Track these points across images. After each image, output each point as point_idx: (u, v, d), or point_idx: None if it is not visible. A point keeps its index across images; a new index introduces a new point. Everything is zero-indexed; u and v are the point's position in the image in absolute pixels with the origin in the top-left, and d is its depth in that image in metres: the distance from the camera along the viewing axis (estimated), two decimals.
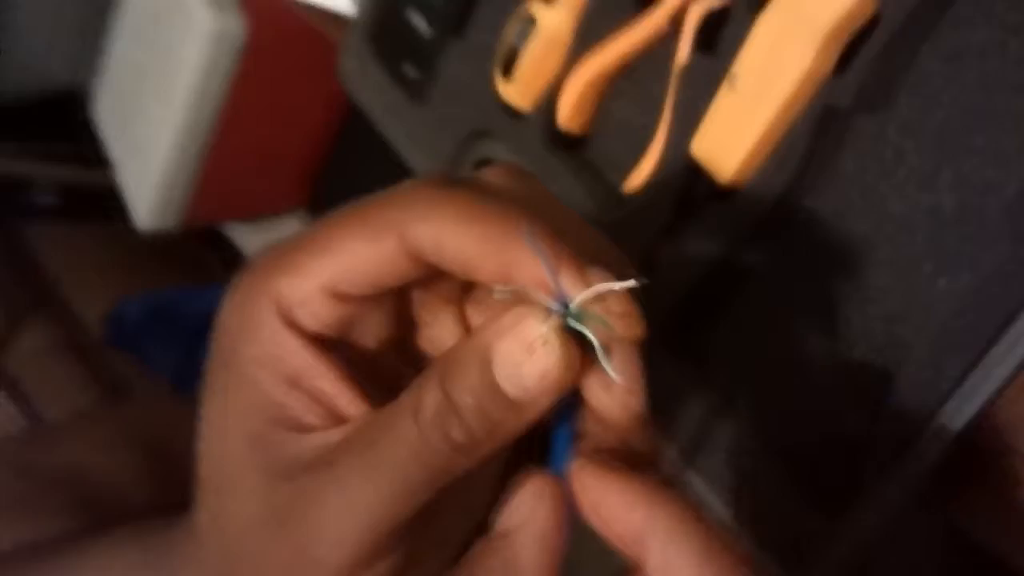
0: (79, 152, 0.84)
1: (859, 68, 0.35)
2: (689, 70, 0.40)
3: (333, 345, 0.27)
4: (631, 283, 0.23)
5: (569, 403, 0.25)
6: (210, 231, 0.87)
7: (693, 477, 0.40)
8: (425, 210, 0.25)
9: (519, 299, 0.24)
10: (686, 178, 0.40)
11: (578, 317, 0.23)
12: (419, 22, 0.54)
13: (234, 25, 0.75)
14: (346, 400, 0.26)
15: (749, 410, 0.38)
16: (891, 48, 0.34)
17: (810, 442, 0.36)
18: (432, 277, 0.26)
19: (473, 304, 0.29)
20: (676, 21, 0.41)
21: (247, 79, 0.78)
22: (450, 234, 0.24)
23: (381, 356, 0.28)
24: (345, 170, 0.88)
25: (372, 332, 0.28)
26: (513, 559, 0.25)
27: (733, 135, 0.38)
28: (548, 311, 0.23)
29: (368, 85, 0.59)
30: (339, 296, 0.26)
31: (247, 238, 0.87)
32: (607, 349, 0.24)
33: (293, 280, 0.26)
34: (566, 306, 0.23)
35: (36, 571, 0.34)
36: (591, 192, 0.44)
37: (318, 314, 0.26)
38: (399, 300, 0.28)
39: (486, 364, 0.24)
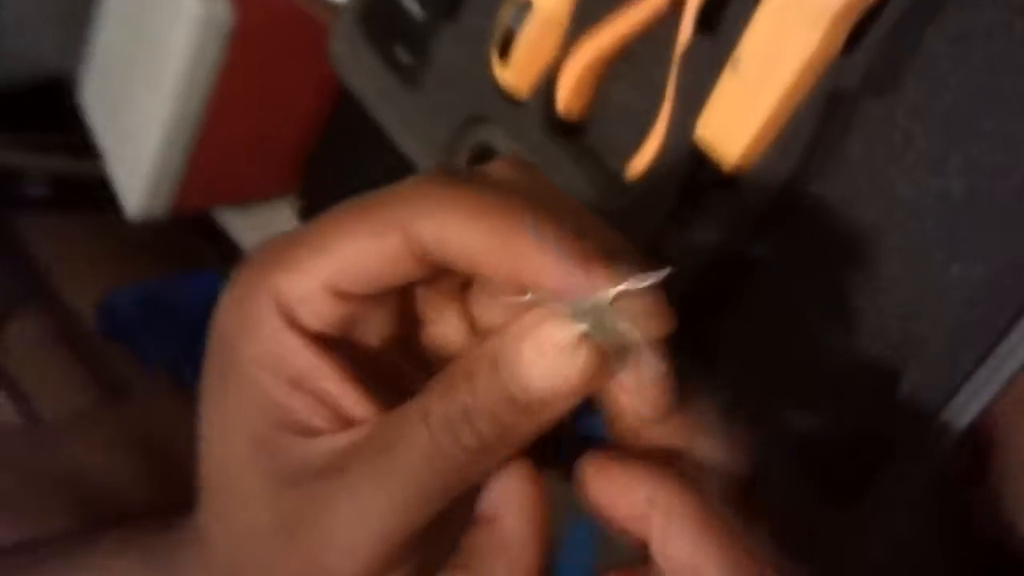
0: (68, 141, 0.83)
1: (866, 50, 0.34)
2: (691, 52, 0.39)
3: (335, 344, 0.26)
4: (654, 278, 0.22)
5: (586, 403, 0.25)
6: (201, 219, 0.86)
7: None
8: (430, 206, 0.24)
9: (535, 302, 0.23)
10: (689, 164, 0.39)
11: (599, 317, 0.22)
12: (411, 4, 0.53)
13: (222, 10, 0.74)
14: (352, 401, 0.26)
15: (758, 402, 0.37)
16: (898, 30, 0.34)
17: (821, 434, 0.36)
18: (436, 274, 0.26)
19: (477, 300, 0.29)
20: (676, 2, 0.40)
21: (236, 64, 0.77)
22: (457, 231, 0.24)
23: (383, 355, 0.28)
24: (336, 155, 0.87)
25: (374, 330, 0.27)
26: (503, 536, 0.26)
27: (738, 119, 0.37)
28: (566, 313, 0.22)
29: (360, 70, 0.58)
30: (341, 294, 0.25)
31: (238, 225, 0.86)
32: (631, 350, 0.23)
33: (294, 277, 0.25)
34: (584, 306, 0.22)
35: (35, 572, 0.34)
36: (592, 179, 0.44)
37: (320, 312, 0.25)
38: (401, 297, 0.28)
39: (501, 368, 0.23)
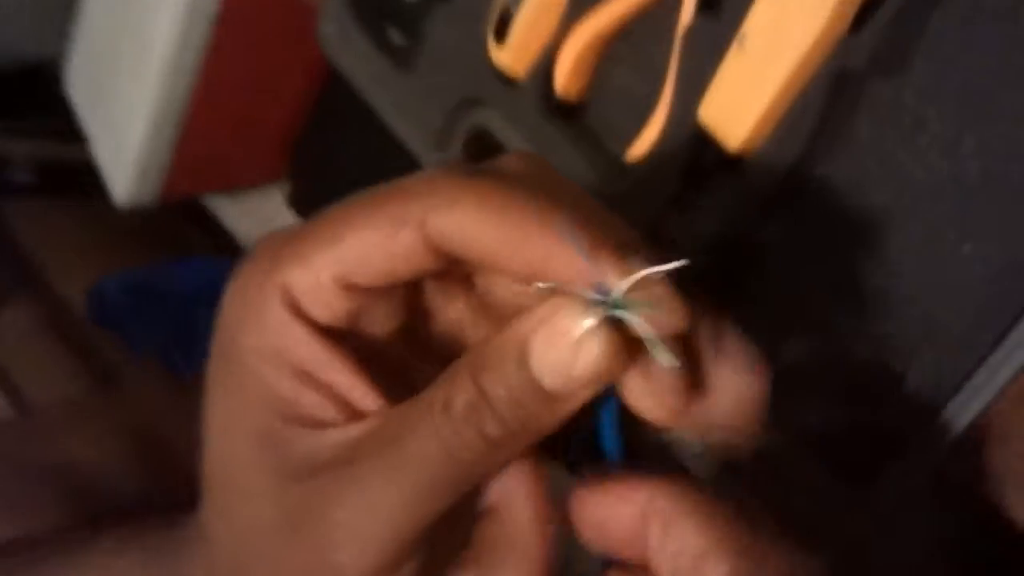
0: (55, 128, 0.82)
1: (874, 30, 0.34)
2: (693, 32, 0.39)
3: (341, 336, 0.26)
4: (675, 266, 0.22)
5: (605, 394, 0.25)
6: (190, 205, 0.86)
7: None
8: (448, 200, 0.24)
9: (556, 291, 0.23)
10: (693, 146, 0.38)
11: (619, 307, 0.22)
12: None
13: None
14: (360, 393, 0.26)
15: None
16: (906, 10, 0.33)
17: (832, 419, 0.36)
18: (448, 268, 0.25)
19: (484, 292, 0.28)
20: None
21: (222, 48, 0.76)
22: (476, 224, 0.23)
23: (388, 347, 0.27)
24: (325, 136, 0.86)
25: (380, 323, 0.27)
26: (511, 529, 0.26)
27: (743, 99, 0.36)
28: (589, 301, 0.22)
29: (350, 52, 0.57)
30: (351, 287, 0.25)
31: (229, 212, 0.85)
32: (646, 342, 0.23)
33: (303, 270, 0.25)
34: (606, 295, 0.22)
35: (36, 571, 0.34)
36: (591, 162, 0.43)
37: (329, 305, 0.25)
38: (408, 289, 0.27)
39: (523, 356, 0.23)
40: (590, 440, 0.26)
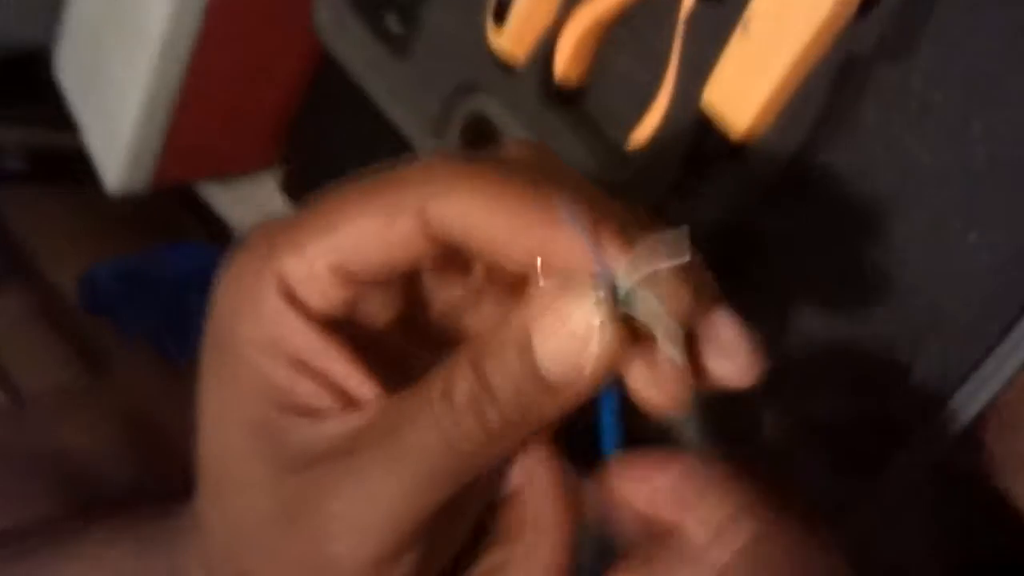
0: (45, 114, 0.81)
1: (880, 15, 0.33)
2: (696, 15, 0.38)
3: (338, 325, 0.25)
4: (683, 259, 0.21)
5: (609, 385, 0.24)
6: (183, 192, 0.85)
7: None
8: (448, 187, 0.23)
9: (561, 282, 0.22)
10: (695, 133, 0.38)
11: (626, 296, 0.22)
12: None
13: None
14: (357, 382, 0.25)
15: (770, 380, 0.37)
16: None
17: (837, 410, 0.35)
18: (446, 256, 0.25)
19: (484, 281, 0.28)
20: None
21: (215, 33, 0.75)
22: (475, 211, 0.23)
23: (385, 336, 0.27)
24: (318, 120, 0.86)
25: (377, 311, 0.27)
26: (535, 509, 0.26)
27: (746, 85, 0.36)
28: (595, 290, 0.21)
29: (346, 38, 0.56)
30: (348, 276, 0.24)
31: (222, 199, 0.85)
32: (652, 331, 0.22)
33: (298, 259, 0.24)
34: (613, 285, 0.22)
35: (27, 562, 0.33)
36: (591, 149, 0.42)
37: (325, 294, 0.25)
38: (405, 277, 0.27)
39: (526, 345, 0.22)
40: (590, 429, 0.26)
